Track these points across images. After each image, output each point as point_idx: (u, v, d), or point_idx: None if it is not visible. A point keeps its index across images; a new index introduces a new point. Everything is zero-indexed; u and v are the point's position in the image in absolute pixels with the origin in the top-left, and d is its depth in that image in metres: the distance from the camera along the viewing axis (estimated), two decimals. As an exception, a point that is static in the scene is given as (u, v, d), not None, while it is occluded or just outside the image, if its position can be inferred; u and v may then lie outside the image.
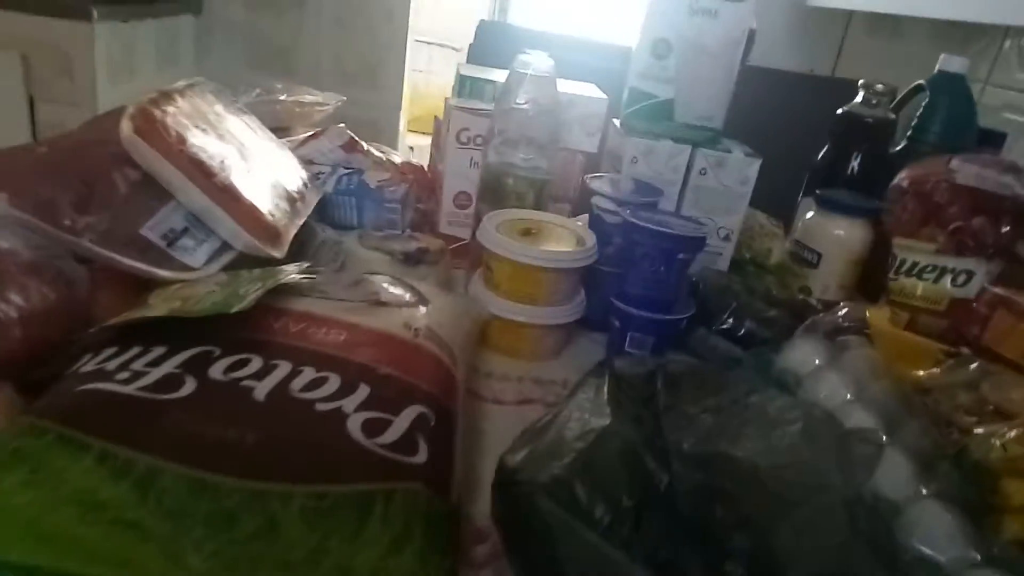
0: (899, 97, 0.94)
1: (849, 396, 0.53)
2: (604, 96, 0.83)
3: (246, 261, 0.52)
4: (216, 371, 0.37)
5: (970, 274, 0.66)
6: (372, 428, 0.36)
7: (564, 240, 0.63)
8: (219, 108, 0.58)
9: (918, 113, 0.89)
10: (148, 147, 0.46)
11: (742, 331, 0.64)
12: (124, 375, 0.36)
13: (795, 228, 0.85)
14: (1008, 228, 0.65)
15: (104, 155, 0.47)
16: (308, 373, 0.38)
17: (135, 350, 0.38)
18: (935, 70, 0.90)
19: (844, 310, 0.65)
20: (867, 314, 0.57)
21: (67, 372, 0.37)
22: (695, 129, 0.74)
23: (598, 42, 1.41)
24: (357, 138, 0.78)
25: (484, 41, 1.44)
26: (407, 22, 2.05)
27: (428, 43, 2.84)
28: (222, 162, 0.51)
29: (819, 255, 0.78)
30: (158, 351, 0.38)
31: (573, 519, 0.37)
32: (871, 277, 0.79)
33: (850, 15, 1.64)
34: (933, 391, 0.46)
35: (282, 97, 0.77)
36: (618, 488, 0.38)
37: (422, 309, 0.48)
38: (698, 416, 0.43)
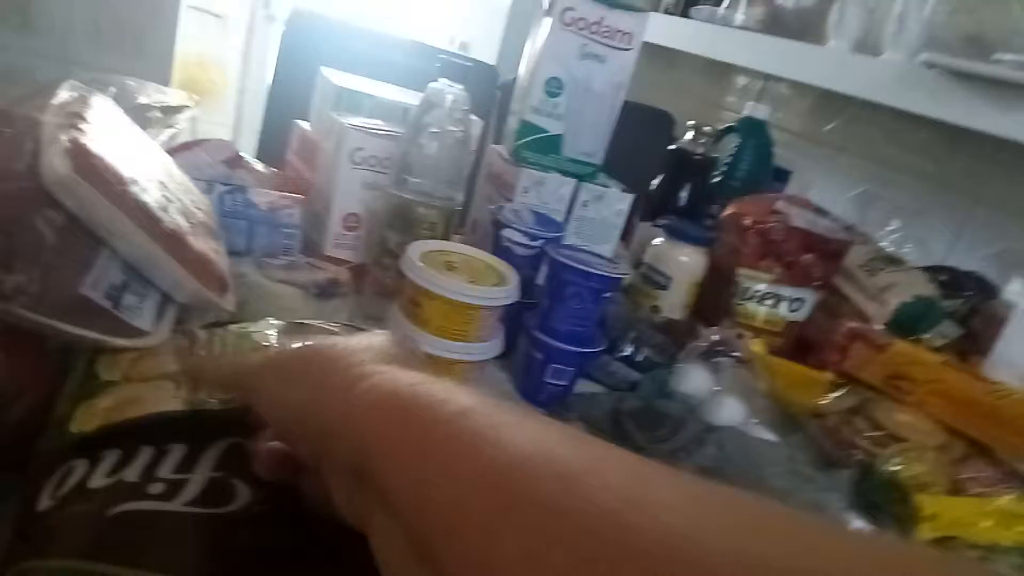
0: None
1: (752, 418, 0.61)
2: (480, 119, 0.84)
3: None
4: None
5: (802, 301, 0.80)
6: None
7: (484, 274, 0.64)
8: (116, 123, 0.49)
9: (730, 151, 1.04)
10: (92, 190, 0.38)
11: (640, 357, 0.71)
12: (157, 487, 0.30)
13: (639, 251, 0.94)
14: (831, 264, 0.80)
15: (16, 196, 0.38)
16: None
17: (148, 452, 0.32)
18: (743, 114, 1.05)
19: (715, 335, 0.74)
20: (751, 346, 0.67)
21: (57, 493, 0.30)
22: (579, 164, 0.79)
23: (436, 50, 1.40)
24: (242, 152, 0.69)
25: (297, 32, 1.35)
26: (180, -13, 1.83)
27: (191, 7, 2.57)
28: (161, 201, 0.43)
29: (669, 278, 0.88)
30: (178, 451, 0.32)
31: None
32: (704, 298, 0.91)
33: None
34: (828, 416, 0.56)
35: (141, 99, 0.66)
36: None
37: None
38: (676, 456, 0.48)
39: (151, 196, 0.42)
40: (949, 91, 0.95)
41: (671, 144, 1.40)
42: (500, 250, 0.69)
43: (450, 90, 0.66)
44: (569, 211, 0.79)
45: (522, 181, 0.76)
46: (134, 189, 0.41)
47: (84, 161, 0.38)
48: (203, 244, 0.46)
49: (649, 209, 1.03)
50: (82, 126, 0.41)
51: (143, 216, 0.41)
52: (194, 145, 0.66)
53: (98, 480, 0.30)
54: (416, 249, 0.63)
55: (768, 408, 0.63)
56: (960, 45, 1.10)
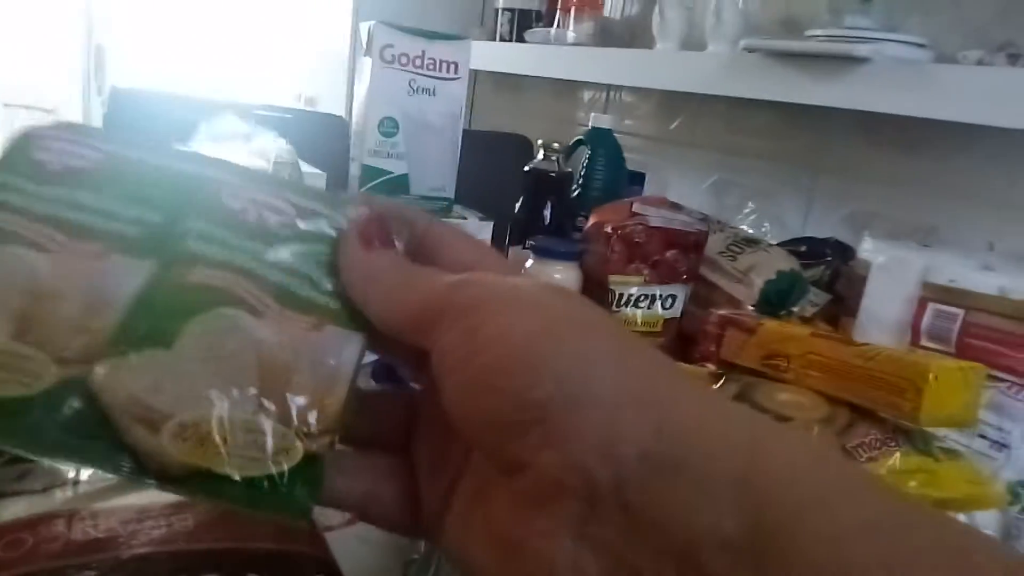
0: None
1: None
2: (322, 172, 0.80)
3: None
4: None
5: (674, 297, 0.80)
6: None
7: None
8: None
9: (583, 163, 1.05)
10: None
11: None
12: None
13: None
14: (694, 256, 0.80)
15: None
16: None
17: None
18: (589, 126, 1.06)
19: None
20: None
21: None
22: (430, 200, 0.76)
23: (275, 108, 1.35)
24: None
25: (121, 110, 1.26)
26: (-13, 86, 1.69)
27: (9, 105, 2.41)
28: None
29: (546, 299, 0.86)
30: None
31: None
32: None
33: (475, 74, 1.83)
34: (716, 409, 0.55)
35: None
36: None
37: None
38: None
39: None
40: (772, 72, 0.99)
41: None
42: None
43: (272, 145, 0.62)
44: (429, 250, 0.76)
45: (373, 228, 0.72)
46: None
47: None
48: None
49: (518, 233, 1.01)
50: None
51: None
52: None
53: None
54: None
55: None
56: (775, 28, 1.16)
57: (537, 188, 0.99)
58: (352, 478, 0.26)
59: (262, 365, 0.23)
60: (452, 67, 0.74)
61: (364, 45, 0.72)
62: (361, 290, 0.25)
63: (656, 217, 0.81)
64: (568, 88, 1.65)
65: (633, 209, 0.85)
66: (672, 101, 1.39)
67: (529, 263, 0.88)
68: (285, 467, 0.22)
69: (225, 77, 2.54)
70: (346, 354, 0.24)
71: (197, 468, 0.21)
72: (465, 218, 0.78)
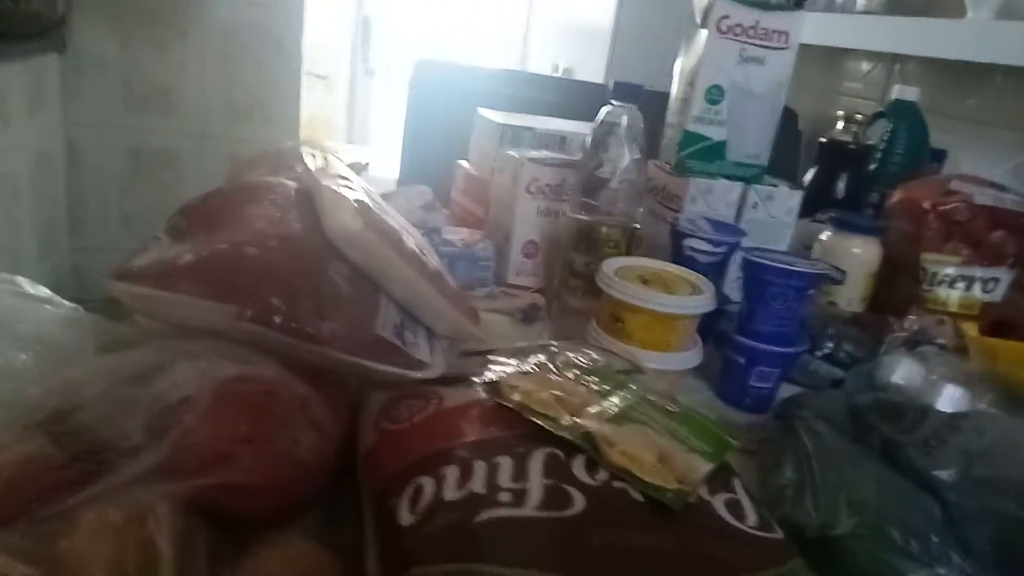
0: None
1: (978, 403, 0.60)
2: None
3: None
4: (583, 475, 0.35)
5: (996, 281, 0.77)
6: (734, 511, 0.37)
7: (679, 285, 0.65)
8: (357, 181, 0.54)
9: (884, 137, 1.01)
10: (380, 242, 0.42)
11: (842, 354, 0.70)
12: (505, 496, 0.33)
13: (798, 248, 0.92)
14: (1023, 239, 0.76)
15: (314, 252, 0.43)
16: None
17: (480, 466, 0.35)
18: (892, 98, 1.02)
19: (914, 325, 0.72)
20: (967, 330, 0.65)
21: (416, 509, 0.34)
22: (744, 167, 0.80)
23: (554, 78, 1.44)
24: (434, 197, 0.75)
25: (425, 79, 1.42)
26: (300, 54, 1.96)
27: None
28: (418, 246, 0.47)
29: (843, 272, 0.86)
30: (505, 463, 0.35)
31: (900, 559, 0.40)
32: (880, 288, 0.88)
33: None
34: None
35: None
36: (921, 526, 0.41)
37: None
38: (928, 445, 0.47)
39: (413, 243, 0.47)
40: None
41: (797, 139, 1.38)
42: (682, 260, 0.71)
43: (626, 110, 0.68)
44: (738, 215, 0.80)
45: (691, 191, 0.77)
46: (404, 238, 0.45)
47: (369, 217, 0.43)
48: (452, 280, 0.50)
49: (808, 204, 1.01)
50: (351, 186, 0.46)
51: (416, 261, 0.45)
52: (393, 195, 0.71)
53: (451, 494, 0.34)
54: (609, 266, 0.65)
55: (992, 391, 0.61)
56: (1120, -5, 1.04)
57: (833, 160, 0.98)
58: None
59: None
60: (783, 36, 0.76)
61: (699, 17, 0.76)
62: None
63: (981, 195, 0.78)
64: (839, 58, 1.57)
65: (951, 186, 0.82)
66: (970, 74, 1.28)
67: (825, 236, 0.89)
68: None
69: (483, 49, 2.71)
70: None
71: None
72: (776, 186, 0.80)
